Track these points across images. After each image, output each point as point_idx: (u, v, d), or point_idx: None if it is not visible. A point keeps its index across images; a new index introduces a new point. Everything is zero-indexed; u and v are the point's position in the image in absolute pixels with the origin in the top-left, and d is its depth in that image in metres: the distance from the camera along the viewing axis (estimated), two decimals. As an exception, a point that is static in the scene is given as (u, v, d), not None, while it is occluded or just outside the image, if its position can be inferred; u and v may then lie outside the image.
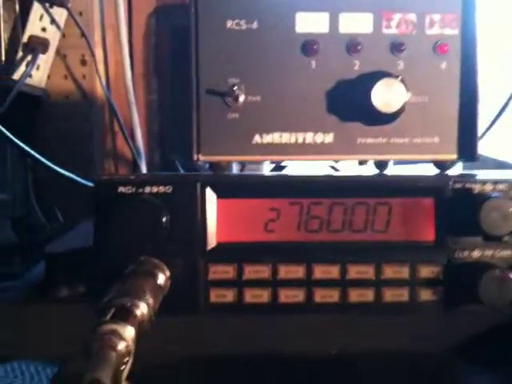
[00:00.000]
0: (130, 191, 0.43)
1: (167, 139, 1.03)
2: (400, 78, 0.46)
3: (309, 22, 0.48)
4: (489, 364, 0.46)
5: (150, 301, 0.38)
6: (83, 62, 0.97)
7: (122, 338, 0.32)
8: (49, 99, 0.96)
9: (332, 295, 0.44)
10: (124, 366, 0.32)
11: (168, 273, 0.43)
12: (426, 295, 0.44)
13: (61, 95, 0.97)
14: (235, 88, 0.47)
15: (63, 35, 0.94)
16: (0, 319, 0.48)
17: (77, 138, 0.98)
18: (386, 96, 0.45)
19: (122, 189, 0.43)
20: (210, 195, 0.44)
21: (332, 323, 0.45)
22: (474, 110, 0.48)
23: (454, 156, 0.49)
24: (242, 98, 0.48)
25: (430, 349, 0.47)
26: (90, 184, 0.76)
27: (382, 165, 0.52)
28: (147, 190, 0.43)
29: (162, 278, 0.42)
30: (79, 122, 0.98)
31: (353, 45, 0.48)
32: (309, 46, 0.48)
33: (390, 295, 0.44)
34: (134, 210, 0.42)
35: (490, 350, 0.45)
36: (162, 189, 0.43)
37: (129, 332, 0.33)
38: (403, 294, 0.44)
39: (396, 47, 0.48)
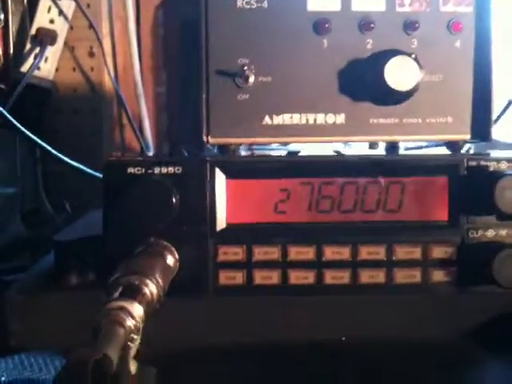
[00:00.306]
0: (140, 172, 0.42)
1: (176, 132, 1.03)
2: (414, 55, 0.45)
3: (320, 0, 0.47)
4: (503, 347, 0.45)
5: (159, 280, 0.37)
6: (91, 54, 0.97)
7: (130, 315, 0.32)
8: (57, 92, 0.96)
9: (343, 276, 0.43)
10: (132, 344, 0.32)
11: (177, 255, 0.43)
12: (438, 276, 0.43)
13: (69, 88, 0.97)
14: (245, 68, 0.46)
15: (71, 27, 0.94)
16: (11, 308, 0.48)
17: (85, 131, 0.98)
18: (399, 74, 0.45)
19: (131, 169, 0.42)
20: (220, 176, 0.43)
21: (343, 305, 0.44)
22: (488, 90, 0.48)
23: (468, 136, 0.48)
24: (252, 79, 0.47)
25: (443, 332, 0.46)
26: (99, 175, 0.76)
27: (392, 148, 0.51)
28: (157, 170, 0.42)
29: (171, 260, 0.42)
30: (88, 114, 0.98)
31: (365, 23, 0.47)
32: (321, 24, 0.47)
33: (401, 276, 0.43)
34: (144, 190, 0.42)
35: (505, 332, 0.44)
36: (171, 169, 0.42)
37: (137, 309, 0.33)
38: (415, 275, 0.43)
39: (409, 25, 0.47)
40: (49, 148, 0.79)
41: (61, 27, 0.92)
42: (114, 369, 0.29)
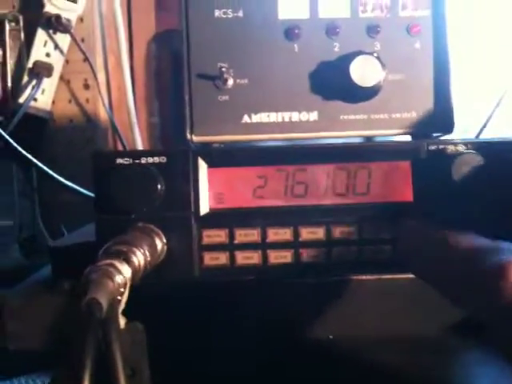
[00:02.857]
0: (128, 162, 0.46)
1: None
2: (376, 54, 0.49)
3: (290, 9, 0.51)
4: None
5: (147, 254, 0.41)
6: (86, 87, 1.01)
7: (118, 271, 0.35)
8: (54, 123, 1.00)
9: (318, 255, 0.46)
10: (120, 297, 0.35)
11: (164, 239, 0.45)
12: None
13: (65, 119, 1.00)
14: (224, 72, 0.51)
15: (67, 61, 0.99)
16: (9, 312, 0.50)
17: (81, 160, 1.00)
18: (364, 72, 0.49)
19: (120, 160, 0.46)
20: (202, 165, 0.46)
21: (319, 282, 0.47)
22: (448, 86, 0.52)
23: (431, 129, 0.52)
24: (230, 81, 0.51)
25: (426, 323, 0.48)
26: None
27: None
28: (143, 160, 0.46)
29: (158, 242, 0.45)
30: (83, 144, 1.01)
31: (332, 29, 0.51)
32: (291, 31, 0.51)
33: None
34: (132, 178, 0.45)
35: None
36: (156, 159, 0.46)
37: (125, 269, 0.36)
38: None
39: (372, 29, 0.51)
40: (48, 170, 0.83)
41: (57, 60, 0.97)
42: (103, 314, 0.32)
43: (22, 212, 0.97)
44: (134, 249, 0.39)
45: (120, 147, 1.02)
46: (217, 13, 0.51)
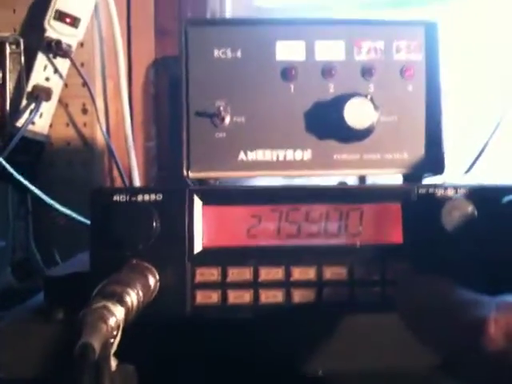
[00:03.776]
0: (124, 199, 0.47)
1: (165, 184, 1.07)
2: (369, 97, 0.50)
3: (287, 50, 0.53)
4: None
5: (140, 294, 0.41)
6: (84, 111, 1.02)
7: (112, 314, 0.36)
8: (51, 146, 1.00)
9: (309, 295, 0.46)
10: (113, 340, 0.35)
11: (157, 276, 0.46)
12: (395, 292, 0.46)
13: (62, 142, 1.01)
14: (221, 110, 0.52)
15: (65, 85, 1.00)
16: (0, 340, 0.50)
17: (77, 183, 1.01)
18: (357, 113, 0.50)
19: (116, 197, 0.47)
20: (197, 203, 0.47)
21: (310, 321, 0.48)
22: (439, 128, 0.53)
23: (423, 170, 0.53)
24: (227, 119, 0.52)
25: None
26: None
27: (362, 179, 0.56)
28: (140, 198, 0.47)
29: (151, 280, 0.45)
30: (80, 167, 1.01)
31: (327, 70, 0.53)
32: (288, 71, 0.53)
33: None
34: (128, 215, 0.46)
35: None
36: (153, 197, 0.47)
37: (119, 310, 0.37)
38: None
39: (366, 72, 0.53)
40: (42, 195, 0.83)
41: (56, 84, 0.97)
42: (96, 357, 0.32)
43: (16, 234, 0.97)
44: (128, 289, 0.39)
45: (116, 171, 1.03)
46: (216, 52, 0.53)
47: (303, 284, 0.47)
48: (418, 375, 0.51)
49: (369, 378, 0.50)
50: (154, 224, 0.46)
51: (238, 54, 0.53)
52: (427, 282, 0.41)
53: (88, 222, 0.83)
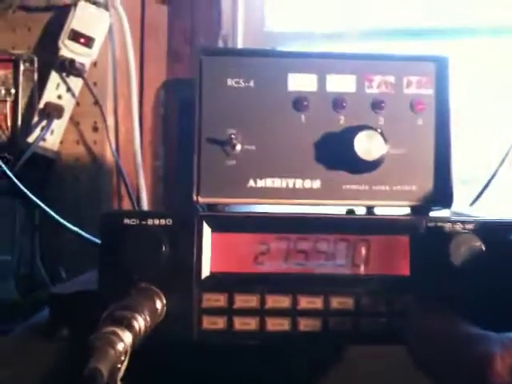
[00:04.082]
0: (134, 223, 0.47)
1: (171, 203, 1.08)
2: (379, 130, 0.51)
3: (299, 82, 0.54)
4: None
5: (148, 319, 0.42)
6: (95, 129, 1.03)
7: (120, 339, 0.36)
8: (60, 162, 1.02)
9: (315, 324, 0.47)
10: (120, 365, 0.36)
11: (164, 300, 0.46)
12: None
13: (72, 159, 1.02)
14: (233, 138, 0.52)
15: (77, 103, 1.01)
16: (3, 355, 0.51)
17: (85, 200, 1.02)
18: (367, 145, 0.51)
19: (127, 220, 0.47)
20: (206, 229, 0.48)
21: (315, 351, 0.48)
22: (448, 162, 0.53)
23: (431, 203, 0.53)
24: (238, 147, 0.53)
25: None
26: (97, 241, 0.80)
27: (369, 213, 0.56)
28: (150, 222, 0.47)
29: (159, 304, 0.46)
30: (88, 184, 1.03)
31: (338, 102, 0.53)
32: (299, 102, 0.53)
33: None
34: (137, 239, 0.46)
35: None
36: (163, 221, 0.47)
37: (127, 336, 0.37)
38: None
39: (377, 105, 0.53)
40: (50, 211, 0.84)
41: (68, 103, 0.99)
42: (104, 382, 0.33)
43: (22, 248, 0.98)
44: (136, 315, 0.40)
45: (124, 189, 1.03)
46: (229, 82, 0.53)
47: (309, 313, 0.47)
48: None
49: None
50: (163, 248, 0.46)
51: (251, 83, 0.54)
52: (435, 315, 0.41)
53: (95, 239, 0.85)
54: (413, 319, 0.44)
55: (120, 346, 0.36)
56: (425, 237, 0.47)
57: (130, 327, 0.38)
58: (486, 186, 0.83)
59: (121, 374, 0.36)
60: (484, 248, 0.45)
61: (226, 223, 0.49)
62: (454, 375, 0.37)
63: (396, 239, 0.48)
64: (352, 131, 0.52)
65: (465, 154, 0.81)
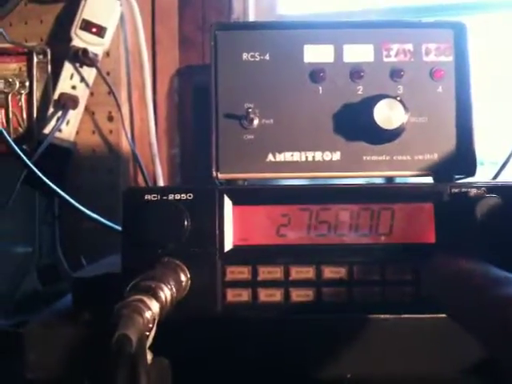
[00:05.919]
0: (156, 198, 0.47)
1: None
2: (399, 98, 0.50)
3: (316, 53, 0.53)
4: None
5: (173, 289, 0.42)
6: (110, 119, 1.03)
7: (147, 307, 0.36)
8: (77, 152, 1.02)
9: (339, 294, 0.46)
10: (148, 333, 0.36)
11: (188, 274, 0.46)
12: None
13: (88, 149, 1.03)
14: (250, 112, 0.52)
15: (92, 93, 1.01)
16: (28, 340, 0.51)
17: (103, 189, 1.02)
18: (387, 114, 0.50)
19: (148, 196, 0.47)
20: (227, 202, 0.48)
21: (339, 321, 0.48)
22: (470, 129, 0.53)
23: (454, 171, 0.53)
24: (256, 121, 0.52)
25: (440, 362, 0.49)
26: (117, 228, 0.80)
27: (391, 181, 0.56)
28: (171, 196, 0.47)
29: (183, 277, 0.46)
30: (105, 173, 1.03)
31: (356, 72, 0.53)
32: (316, 74, 0.53)
33: (393, 294, 0.46)
34: (159, 214, 0.46)
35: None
36: (184, 196, 0.47)
37: (154, 304, 0.37)
38: (408, 294, 0.46)
39: (395, 73, 0.53)
40: (71, 200, 0.84)
41: (82, 93, 0.99)
42: (132, 349, 0.33)
43: (43, 239, 0.99)
44: (162, 285, 0.40)
45: (141, 177, 1.04)
46: (245, 56, 0.53)
47: (334, 283, 0.47)
48: (448, 378, 0.50)
49: (397, 382, 0.50)
50: (185, 223, 0.46)
51: (267, 56, 0.53)
52: (463, 259, 0.41)
53: (114, 225, 0.85)
54: (441, 274, 0.43)
55: (148, 314, 0.36)
56: (449, 203, 0.47)
57: (156, 296, 0.38)
58: (503, 165, 0.81)
59: (149, 342, 0.36)
60: (509, 210, 0.45)
61: (246, 196, 0.48)
62: (480, 319, 0.36)
63: (420, 207, 0.47)
64: (371, 101, 0.51)
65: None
